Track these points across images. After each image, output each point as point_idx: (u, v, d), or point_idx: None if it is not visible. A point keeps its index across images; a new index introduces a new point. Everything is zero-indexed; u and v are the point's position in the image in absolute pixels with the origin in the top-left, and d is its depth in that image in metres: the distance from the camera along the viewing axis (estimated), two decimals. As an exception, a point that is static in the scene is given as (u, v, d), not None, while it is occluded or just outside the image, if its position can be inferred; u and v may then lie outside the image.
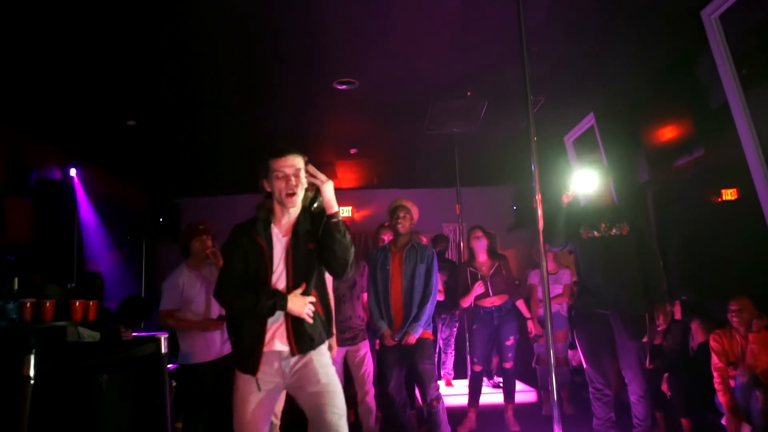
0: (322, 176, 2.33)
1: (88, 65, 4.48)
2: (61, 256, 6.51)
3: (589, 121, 6.29)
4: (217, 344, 3.48)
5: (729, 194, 4.75)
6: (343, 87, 5.11)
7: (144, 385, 3.23)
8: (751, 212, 4.07)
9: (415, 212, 3.94)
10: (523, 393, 5.59)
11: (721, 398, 3.40)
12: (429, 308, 3.72)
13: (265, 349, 2.31)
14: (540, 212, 3.56)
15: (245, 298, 2.29)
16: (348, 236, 2.33)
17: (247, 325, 2.35)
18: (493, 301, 4.62)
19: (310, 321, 2.31)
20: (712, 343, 3.53)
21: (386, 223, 4.36)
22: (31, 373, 1.92)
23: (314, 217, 2.40)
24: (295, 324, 2.31)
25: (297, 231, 2.38)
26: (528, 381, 5.92)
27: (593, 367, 3.40)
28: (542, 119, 6.07)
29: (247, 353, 2.32)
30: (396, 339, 3.70)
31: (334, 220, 2.29)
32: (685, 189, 5.51)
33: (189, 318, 3.47)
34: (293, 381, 2.34)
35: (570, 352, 5.21)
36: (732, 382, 3.36)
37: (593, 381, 3.40)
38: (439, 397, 3.70)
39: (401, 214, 3.86)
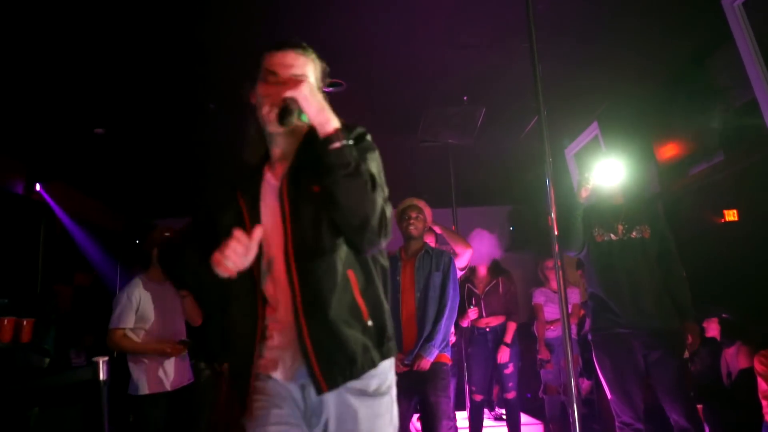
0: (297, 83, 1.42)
1: (50, 64, 4.06)
2: (22, 274, 6.00)
3: (592, 131, 5.91)
4: (174, 373, 2.98)
5: (744, 210, 4.34)
6: (329, 89, 4.69)
7: (83, 419, 2.73)
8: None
9: (428, 213, 3.49)
10: (529, 426, 5.06)
11: (772, 431, 2.94)
12: (445, 325, 3.16)
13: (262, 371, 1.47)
14: (556, 232, 3.11)
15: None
16: (364, 171, 1.40)
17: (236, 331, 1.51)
18: (487, 322, 4.15)
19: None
20: (759, 367, 3.06)
21: None
22: None
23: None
24: (315, 331, 1.40)
25: (294, 167, 1.50)
26: (534, 412, 5.39)
27: (620, 398, 2.88)
28: (544, 129, 5.71)
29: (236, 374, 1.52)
30: (406, 363, 3.12)
31: (332, 146, 1.38)
32: (704, 199, 5.10)
33: (144, 339, 2.97)
34: None
35: (581, 381, 4.72)
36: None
37: (620, 414, 2.86)
38: None
39: (413, 215, 3.39)
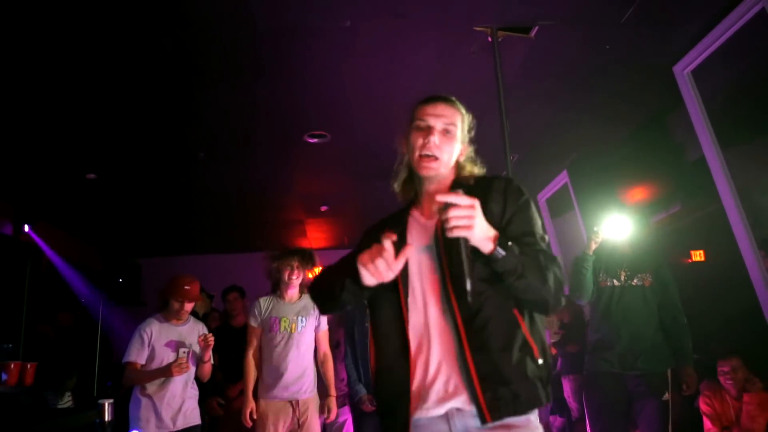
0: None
1: (43, 112, 4.24)
2: (8, 314, 6.06)
3: (561, 179, 6.26)
4: (179, 413, 3.11)
5: (710, 251, 4.68)
6: (315, 140, 4.98)
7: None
8: (735, 269, 3.97)
9: None
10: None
11: (721, 466, 3.18)
12: None
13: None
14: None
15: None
16: (532, 265, 1.38)
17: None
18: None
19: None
20: (703, 407, 3.32)
21: None
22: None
23: (477, 186, 1.55)
24: (477, 354, 1.37)
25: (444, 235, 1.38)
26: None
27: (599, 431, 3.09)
28: (515, 177, 6.04)
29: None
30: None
31: (497, 260, 1.35)
32: (663, 245, 5.43)
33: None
34: None
35: (551, 418, 4.93)
36: (730, 448, 3.14)
37: None
38: None
39: None
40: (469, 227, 1.28)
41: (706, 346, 4.00)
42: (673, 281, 3.29)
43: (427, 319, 1.44)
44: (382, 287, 1.42)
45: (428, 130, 1.54)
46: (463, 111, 1.63)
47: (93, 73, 3.75)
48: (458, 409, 1.39)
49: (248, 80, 3.98)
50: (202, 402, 3.44)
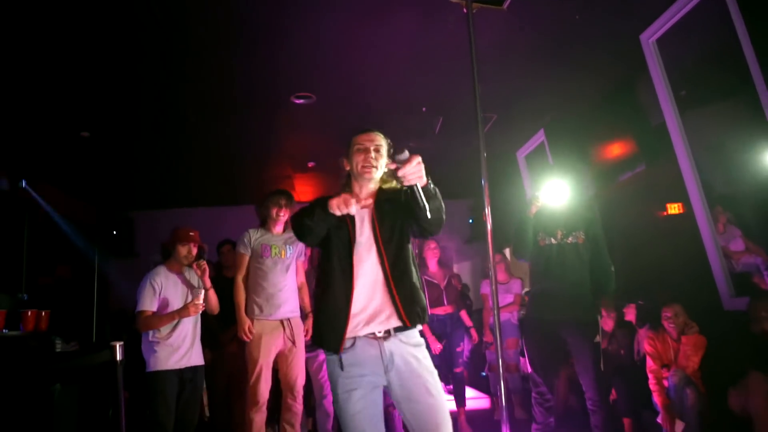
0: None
1: (37, 73, 4.42)
2: (9, 267, 6.36)
3: (539, 137, 6.55)
4: (181, 353, 3.40)
5: (672, 209, 5.01)
6: (301, 101, 5.20)
7: (99, 394, 3.23)
8: (689, 226, 4.34)
9: None
10: (477, 399, 5.72)
11: (656, 398, 3.59)
12: None
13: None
14: (489, 226, 3.72)
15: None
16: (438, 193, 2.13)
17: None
18: (446, 309, 4.76)
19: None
20: (647, 348, 3.73)
21: None
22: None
23: (393, 193, 2.30)
24: (402, 293, 2.14)
25: (378, 200, 2.28)
26: (482, 388, 6.06)
27: (539, 373, 3.48)
28: (495, 135, 6.32)
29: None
30: None
31: (428, 188, 2.06)
32: (629, 202, 5.79)
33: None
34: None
35: (522, 360, 5.38)
36: (665, 383, 3.55)
37: (538, 385, 3.47)
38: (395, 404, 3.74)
39: None
40: (421, 176, 1.98)
41: (652, 293, 4.41)
42: (603, 236, 3.59)
43: (366, 266, 2.18)
44: (337, 236, 2.18)
45: (366, 151, 2.27)
46: (384, 137, 2.36)
47: (86, 36, 3.92)
48: (386, 332, 2.11)
49: (235, 44, 4.16)
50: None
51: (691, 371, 3.47)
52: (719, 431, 3.38)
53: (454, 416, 4.74)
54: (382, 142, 2.33)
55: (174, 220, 8.58)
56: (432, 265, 4.90)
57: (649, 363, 3.69)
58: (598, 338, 3.42)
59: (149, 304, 3.36)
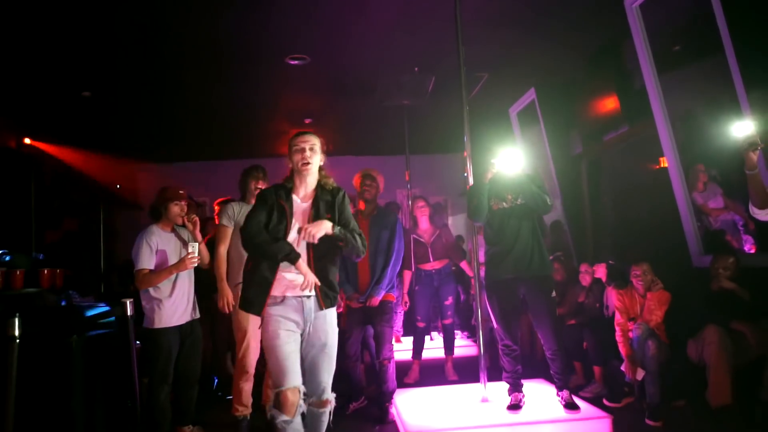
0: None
1: (41, 35, 4.56)
2: (17, 222, 6.63)
3: (530, 95, 6.68)
4: (181, 310, 3.60)
5: (650, 169, 5.23)
6: (296, 62, 5.34)
7: (111, 346, 3.55)
8: (666, 186, 4.55)
9: (380, 181, 4.20)
10: (465, 348, 6.08)
11: (621, 349, 3.91)
12: (390, 271, 3.97)
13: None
14: (470, 182, 3.96)
15: (265, 237, 2.63)
16: (350, 238, 2.68)
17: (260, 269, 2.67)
18: (433, 265, 5.04)
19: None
20: (616, 302, 4.02)
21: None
22: (16, 333, 2.20)
23: (331, 191, 2.76)
24: (321, 278, 2.68)
25: (317, 199, 2.73)
26: (472, 338, 6.45)
27: (503, 327, 3.72)
28: (489, 93, 6.46)
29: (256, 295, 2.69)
30: (361, 301, 3.94)
31: (333, 236, 2.65)
32: (612, 162, 6.01)
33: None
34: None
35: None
36: (630, 335, 3.86)
37: (503, 338, 3.73)
38: (390, 357, 3.99)
39: (368, 182, 4.12)
40: (314, 238, 2.56)
41: (628, 250, 4.68)
42: (545, 197, 3.66)
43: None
44: (281, 234, 2.66)
45: (302, 150, 2.68)
46: (318, 138, 2.76)
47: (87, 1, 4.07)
48: (308, 296, 2.67)
49: (232, 6, 4.27)
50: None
51: (654, 324, 3.77)
52: (676, 378, 3.70)
53: (442, 363, 5.16)
54: (315, 141, 2.74)
55: (175, 173, 8.87)
56: (423, 222, 5.14)
57: (617, 317, 3.99)
58: (553, 293, 3.67)
59: (147, 262, 3.50)
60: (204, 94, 6.18)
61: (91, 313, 3.45)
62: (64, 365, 3.21)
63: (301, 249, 2.65)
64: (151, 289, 3.49)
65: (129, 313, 3.12)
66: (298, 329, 2.65)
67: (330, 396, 2.71)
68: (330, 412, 2.73)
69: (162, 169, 9.04)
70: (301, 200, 2.74)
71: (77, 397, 3.21)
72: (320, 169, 2.78)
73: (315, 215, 2.68)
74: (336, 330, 2.76)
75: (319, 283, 2.64)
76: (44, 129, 6.96)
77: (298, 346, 2.64)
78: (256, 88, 6.06)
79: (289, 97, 6.52)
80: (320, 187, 2.77)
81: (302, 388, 2.58)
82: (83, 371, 3.30)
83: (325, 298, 2.69)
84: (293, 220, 2.66)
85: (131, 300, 3.17)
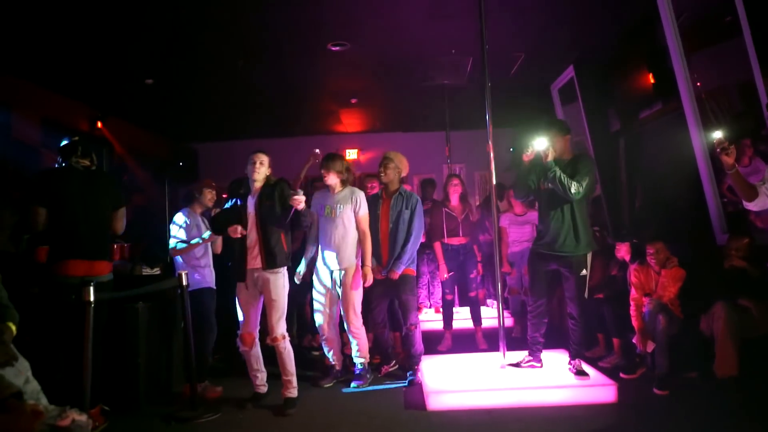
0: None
1: (110, 28, 5.05)
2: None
3: (569, 73, 6.76)
4: (213, 275, 4.30)
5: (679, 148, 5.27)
6: (337, 48, 5.66)
7: (169, 311, 4.08)
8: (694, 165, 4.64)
9: (399, 162, 4.46)
10: (494, 319, 6.35)
11: (634, 323, 4.12)
12: (410, 248, 4.31)
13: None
14: (492, 156, 4.21)
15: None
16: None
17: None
18: (460, 240, 5.33)
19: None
20: (632, 278, 4.22)
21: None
22: (92, 299, 2.68)
23: (271, 188, 3.73)
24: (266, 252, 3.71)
25: (260, 196, 3.75)
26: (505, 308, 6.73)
27: (533, 295, 4.08)
28: (528, 70, 6.59)
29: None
30: (383, 274, 4.33)
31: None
32: (648, 139, 6.05)
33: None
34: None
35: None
36: (644, 309, 4.06)
37: (531, 305, 4.10)
38: (417, 324, 4.38)
39: (383, 165, 4.44)
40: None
41: (655, 228, 4.81)
42: (587, 182, 3.82)
43: (252, 231, 3.78)
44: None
45: (254, 164, 3.79)
46: (266, 154, 3.87)
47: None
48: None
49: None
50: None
51: (666, 300, 3.95)
52: (689, 351, 3.89)
53: (472, 334, 5.48)
54: (264, 158, 3.83)
55: (233, 150, 9.39)
56: (453, 199, 5.42)
57: (632, 292, 4.20)
58: (584, 272, 3.90)
59: (181, 235, 4.18)
60: (255, 77, 6.60)
61: (152, 282, 3.97)
62: (132, 327, 3.75)
63: (251, 230, 3.77)
64: (186, 257, 4.21)
65: (185, 283, 3.61)
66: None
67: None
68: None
69: (217, 146, 9.60)
70: (253, 197, 3.84)
71: (142, 354, 3.75)
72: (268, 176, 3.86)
73: (260, 202, 3.78)
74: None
75: None
76: (113, 112, 7.59)
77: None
78: (301, 71, 6.42)
79: (333, 80, 6.86)
80: (264, 186, 3.82)
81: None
82: (147, 332, 3.84)
83: (268, 260, 3.72)
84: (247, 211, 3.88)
85: (186, 272, 3.66)
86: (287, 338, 3.78)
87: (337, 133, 9.87)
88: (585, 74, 6.47)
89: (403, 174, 4.50)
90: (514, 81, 7.05)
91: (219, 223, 3.87)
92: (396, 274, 4.27)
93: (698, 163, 4.57)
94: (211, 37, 5.36)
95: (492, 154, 4.26)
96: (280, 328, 3.75)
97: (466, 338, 5.60)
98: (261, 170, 3.79)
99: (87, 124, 7.37)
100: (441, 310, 6.71)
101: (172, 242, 4.19)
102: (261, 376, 3.92)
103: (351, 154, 10.01)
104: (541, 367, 4.02)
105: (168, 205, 9.23)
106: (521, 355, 4.16)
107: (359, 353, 4.29)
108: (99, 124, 7.43)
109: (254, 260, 3.73)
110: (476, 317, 5.48)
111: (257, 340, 3.85)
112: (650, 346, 3.93)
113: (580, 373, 3.76)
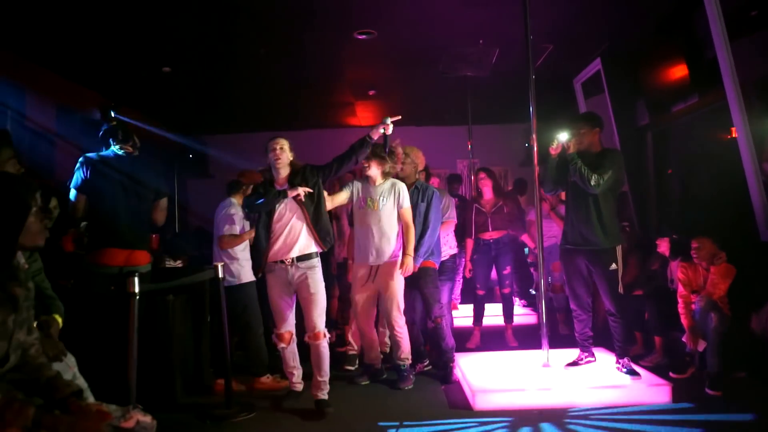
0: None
1: (127, 15, 4.87)
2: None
3: (595, 66, 6.62)
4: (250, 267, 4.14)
5: (720, 141, 5.14)
6: (363, 37, 5.50)
7: (203, 304, 3.93)
8: (736, 159, 4.51)
9: (415, 156, 4.35)
10: (525, 316, 6.24)
11: (683, 321, 3.98)
12: (427, 240, 4.17)
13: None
14: (535, 150, 4.08)
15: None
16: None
17: None
18: (491, 235, 5.19)
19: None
20: (679, 275, 4.09)
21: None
22: (136, 290, 2.53)
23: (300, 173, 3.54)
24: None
25: (292, 182, 3.55)
26: (530, 306, 6.60)
27: (569, 294, 3.98)
28: (554, 63, 6.44)
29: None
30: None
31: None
32: (681, 133, 5.93)
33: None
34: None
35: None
36: (693, 306, 3.93)
37: (573, 303, 3.97)
38: (443, 315, 4.23)
39: (402, 159, 4.27)
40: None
41: (695, 224, 4.67)
42: (612, 177, 3.72)
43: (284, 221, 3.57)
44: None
45: (275, 150, 3.54)
46: (286, 140, 3.63)
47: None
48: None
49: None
50: None
51: (717, 297, 3.82)
52: (738, 350, 3.76)
53: (502, 330, 5.35)
54: (284, 142, 3.58)
55: (244, 143, 9.23)
56: (486, 193, 5.29)
57: (680, 289, 4.06)
58: (614, 265, 3.75)
59: (229, 229, 4.04)
60: (274, 68, 6.44)
61: (179, 274, 3.82)
62: (164, 320, 3.59)
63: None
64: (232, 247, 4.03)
65: (221, 275, 3.45)
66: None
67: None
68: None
69: (229, 138, 9.43)
70: (279, 185, 3.64)
71: (176, 348, 3.60)
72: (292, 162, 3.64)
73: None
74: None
75: None
76: (127, 103, 7.41)
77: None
78: (323, 61, 6.26)
79: (354, 70, 6.70)
80: (294, 170, 3.65)
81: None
82: (178, 326, 3.68)
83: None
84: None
85: (222, 264, 3.51)
86: (327, 336, 3.60)
87: (352, 127, 9.70)
88: (613, 66, 6.32)
89: (420, 168, 4.37)
90: (537, 74, 6.92)
91: (259, 203, 3.52)
92: (414, 267, 4.10)
93: (742, 154, 4.43)
94: (233, 23, 5.19)
95: (536, 148, 4.12)
96: (321, 324, 3.57)
97: (493, 335, 5.47)
98: (283, 156, 3.55)
99: (100, 114, 7.18)
100: (458, 307, 6.60)
101: (227, 231, 4.05)
102: (297, 373, 3.74)
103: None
104: (595, 361, 3.93)
105: (177, 198, 9.14)
106: (559, 353, 4.04)
107: (403, 354, 4.10)
108: (112, 114, 7.24)
109: (287, 252, 3.51)
110: (508, 314, 5.35)
111: (294, 336, 3.69)
112: (701, 345, 3.80)
113: (631, 372, 3.62)
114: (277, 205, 3.53)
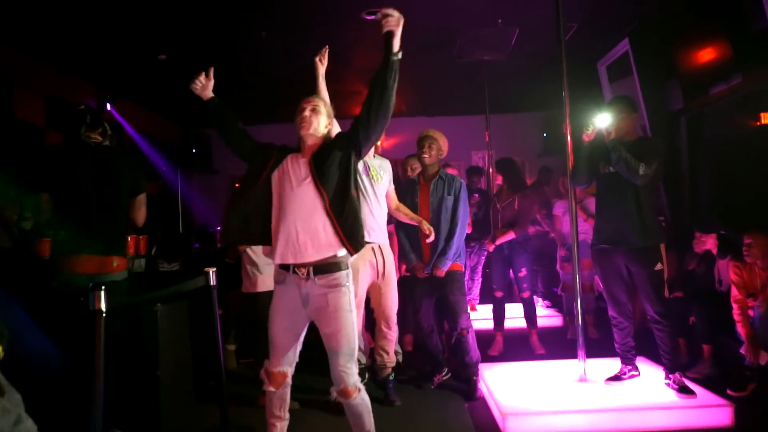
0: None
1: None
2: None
3: (623, 47, 6.13)
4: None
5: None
6: (371, 17, 5.06)
7: (196, 313, 3.50)
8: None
9: (443, 143, 3.86)
10: (549, 318, 5.79)
11: (741, 329, 3.51)
12: (456, 241, 3.70)
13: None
14: (569, 140, 3.62)
15: None
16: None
17: None
18: (502, 238, 4.76)
19: None
20: (733, 276, 3.61)
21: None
22: (103, 307, 2.10)
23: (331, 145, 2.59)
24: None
25: (316, 154, 2.58)
26: (554, 307, 6.15)
27: (608, 299, 3.50)
28: (575, 45, 5.97)
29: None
30: (426, 272, 3.74)
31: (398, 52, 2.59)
32: (720, 117, 5.43)
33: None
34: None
35: (596, 278, 5.33)
36: (751, 313, 3.46)
37: (611, 311, 3.50)
38: (469, 327, 3.78)
39: (427, 144, 3.80)
40: (398, 25, 2.53)
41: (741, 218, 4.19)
42: (655, 165, 3.27)
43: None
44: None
45: (302, 110, 2.61)
46: (323, 99, 2.81)
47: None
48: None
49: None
50: None
51: (779, 301, 3.36)
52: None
53: (523, 335, 4.90)
54: (319, 102, 2.67)
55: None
56: (497, 187, 4.85)
57: (734, 292, 3.59)
58: (659, 266, 3.30)
59: None
60: (278, 53, 6.03)
61: (174, 280, 3.39)
62: (150, 333, 3.17)
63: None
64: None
65: (212, 283, 3.01)
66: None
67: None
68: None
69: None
70: (302, 157, 2.70)
71: (164, 365, 3.17)
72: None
73: (316, 162, 2.60)
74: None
75: None
76: (123, 93, 7.04)
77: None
78: (330, 44, 5.81)
79: (363, 54, 6.25)
80: (326, 142, 2.69)
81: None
82: (166, 339, 3.26)
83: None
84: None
85: (214, 269, 3.06)
86: (362, 390, 2.53)
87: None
88: (643, 46, 5.83)
89: (443, 156, 3.90)
90: (554, 60, 6.47)
91: None
92: (442, 272, 3.67)
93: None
94: (232, 4, 4.77)
95: (569, 138, 3.65)
96: (353, 374, 2.49)
97: (517, 340, 5.02)
98: (315, 121, 2.57)
99: (95, 106, 6.80)
100: (476, 308, 6.17)
101: None
102: (281, 426, 2.70)
103: (373, 140, 9.46)
104: (639, 375, 3.46)
105: (180, 195, 8.77)
106: (595, 362, 3.61)
107: (390, 362, 3.70)
108: (108, 107, 6.87)
109: (300, 256, 2.48)
110: (530, 318, 4.87)
111: (290, 378, 2.66)
112: (763, 358, 3.33)
113: (684, 390, 3.15)
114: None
